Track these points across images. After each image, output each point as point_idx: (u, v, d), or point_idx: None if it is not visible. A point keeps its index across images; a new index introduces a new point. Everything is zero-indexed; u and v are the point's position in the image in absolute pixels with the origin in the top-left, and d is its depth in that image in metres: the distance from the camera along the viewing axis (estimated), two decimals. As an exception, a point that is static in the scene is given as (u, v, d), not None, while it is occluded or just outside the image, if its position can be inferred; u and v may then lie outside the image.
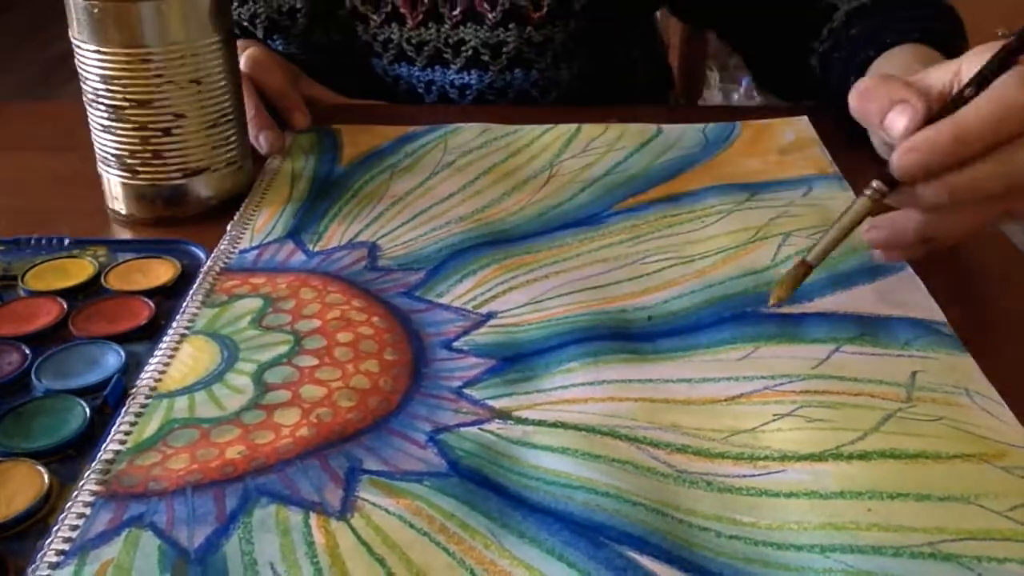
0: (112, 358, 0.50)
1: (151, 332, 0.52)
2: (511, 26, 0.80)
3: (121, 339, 0.51)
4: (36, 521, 0.40)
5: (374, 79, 0.88)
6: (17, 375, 0.49)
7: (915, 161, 0.45)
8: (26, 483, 0.42)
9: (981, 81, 0.46)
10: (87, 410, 0.46)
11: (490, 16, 0.80)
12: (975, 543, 0.39)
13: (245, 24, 0.86)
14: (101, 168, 0.65)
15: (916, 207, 0.48)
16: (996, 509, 0.40)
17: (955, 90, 0.48)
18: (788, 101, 0.91)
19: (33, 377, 0.48)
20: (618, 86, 0.94)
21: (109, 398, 0.47)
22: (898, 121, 0.47)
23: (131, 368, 0.49)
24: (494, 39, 0.80)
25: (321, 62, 0.87)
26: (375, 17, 0.83)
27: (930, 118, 0.46)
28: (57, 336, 0.52)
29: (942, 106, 0.47)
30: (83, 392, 0.47)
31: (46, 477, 0.42)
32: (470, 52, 0.81)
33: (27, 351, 0.50)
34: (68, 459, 0.44)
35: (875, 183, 0.47)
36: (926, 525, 0.39)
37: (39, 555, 0.38)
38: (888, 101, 0.47)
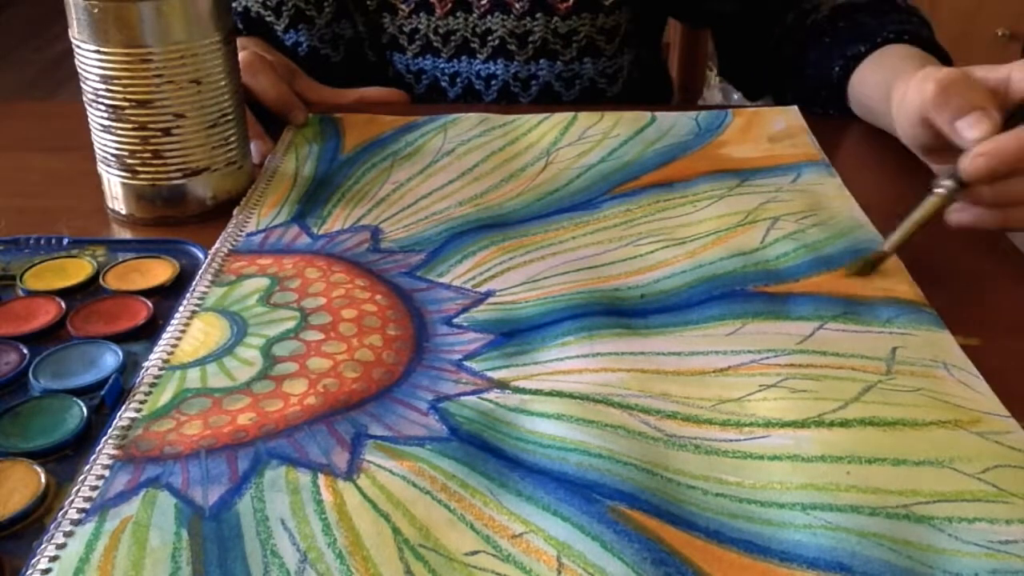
0: (110, 358, 0.50)
1: (149, 332, 0.52)
2: (538, 15, 0.82)
3: (119, 339, 0.51)
4: (32, 521, 0.41)
5: (393, 77, 0.89)
6: (15, 375, 0.49)
7: (983, 166, 0.53)
8: (23, 483, 0.42)
9: None
10: (84, 410, 0.46)
11: (517, 5, 0.82)
12: (948, 504, 0.41)
13: (266, 15, 0.86)
14: (101, 168, 0.65)
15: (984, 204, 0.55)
16: (969, 472, 0.42)
17: (1007, 94, 0.56)
18: (748, 96, 0.94)
19: (31, 377, 0.48)
20: (626, 85, 0.96)
21: (107, 398, 0.47)
22: (973, 130, 0.54)
23: (129, 368, 0.49)
24: (521, 28, 0.82)
25: (341, 58, 0.88)
26: (403, 7, 0.85)
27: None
28: (55, 336, 0.52)
29: (1003, 112, 0.54)
30: (81, 392, 0.47)
31: (43, 477, 0.42)
32: (497, 42, 0.83)
33: (25, 351, 0.50)
34: (65, 459, 0.44)
35: (947, 182, 0.55)
36: (902, 488, 0.41)
37: (61, 513, 0.40)
38: (968, 104, 0.54)
